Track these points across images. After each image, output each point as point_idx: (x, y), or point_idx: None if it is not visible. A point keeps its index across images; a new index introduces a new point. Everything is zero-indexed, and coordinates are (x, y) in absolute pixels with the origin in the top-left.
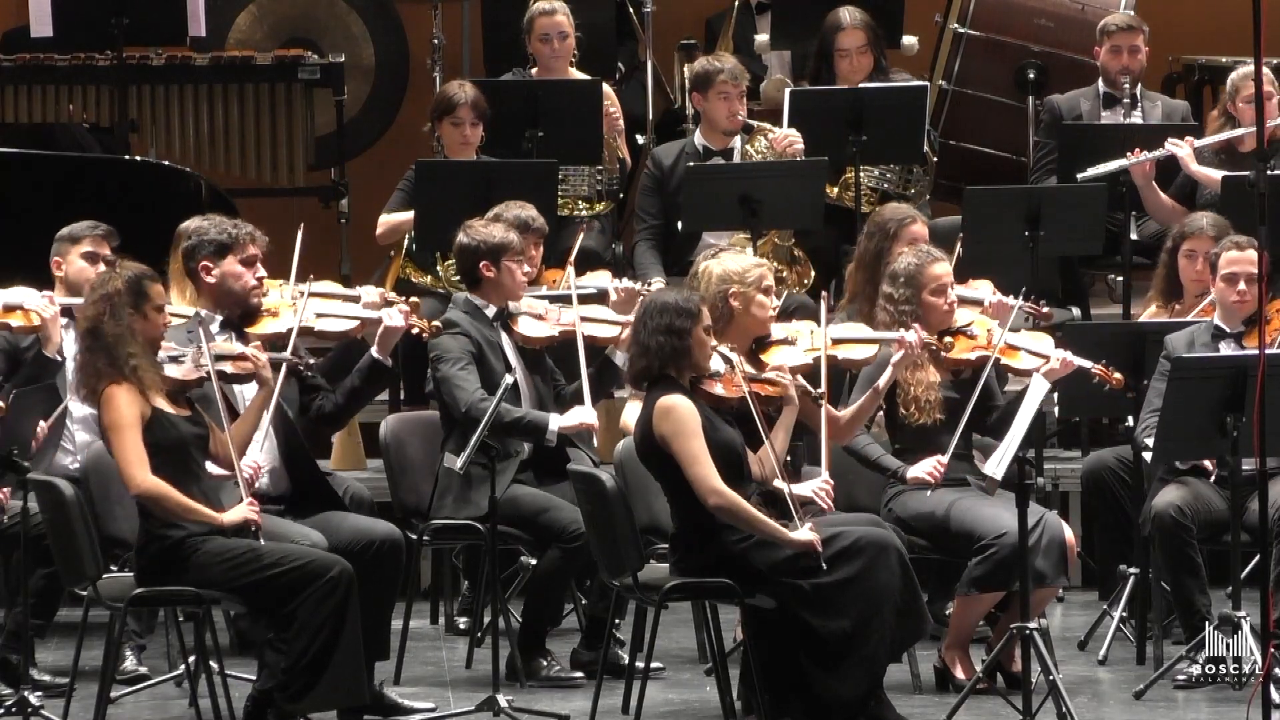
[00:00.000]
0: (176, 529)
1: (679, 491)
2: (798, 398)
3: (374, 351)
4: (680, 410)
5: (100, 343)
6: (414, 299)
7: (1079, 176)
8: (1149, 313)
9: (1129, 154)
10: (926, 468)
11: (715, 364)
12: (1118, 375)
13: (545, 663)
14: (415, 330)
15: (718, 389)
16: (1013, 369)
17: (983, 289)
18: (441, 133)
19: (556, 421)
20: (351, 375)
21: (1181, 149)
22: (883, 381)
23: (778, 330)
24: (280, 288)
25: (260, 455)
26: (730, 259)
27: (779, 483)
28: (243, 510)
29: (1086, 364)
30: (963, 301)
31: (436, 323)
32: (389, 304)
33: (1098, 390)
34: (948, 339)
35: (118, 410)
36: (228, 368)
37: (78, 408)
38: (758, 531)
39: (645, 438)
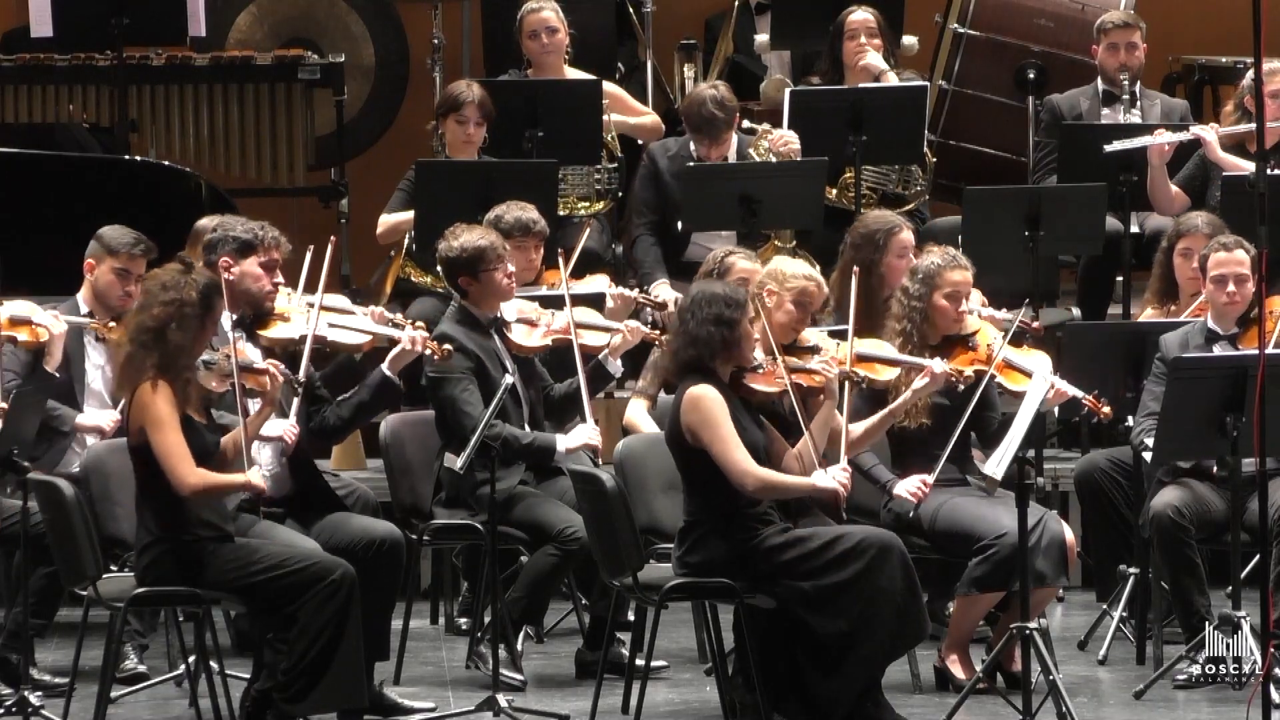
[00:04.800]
0: (180, 531)
1: (697, 484)
2: (838, 389)
3: (385, 369)
4: (709, 400)
5: (159, 345)
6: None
7: (1106, 148)
8: (1144, 314)
9: (1155, 133)
10: (910, 486)
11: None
12: (1106, 409)
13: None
14: (427, 352)
15: (759, 384)
16: (1006, 388)
17: (972, 300)
18: (445, 130)
19: (564, 443)
20: (360, 390)
21: (1208, 134)
22: (898, 403)
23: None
24: (289, 296)
25: (266, 457)
26: (783, 260)
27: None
28: (256, 473)
29: (1078, 393)
30: None
31: (448, 346)
32: (398, 325)
33: (1098, 391)
34: (943, 352)
35: (160, 407)
36: (245, 382)
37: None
38: (795, 493)
39: (674, 428)
